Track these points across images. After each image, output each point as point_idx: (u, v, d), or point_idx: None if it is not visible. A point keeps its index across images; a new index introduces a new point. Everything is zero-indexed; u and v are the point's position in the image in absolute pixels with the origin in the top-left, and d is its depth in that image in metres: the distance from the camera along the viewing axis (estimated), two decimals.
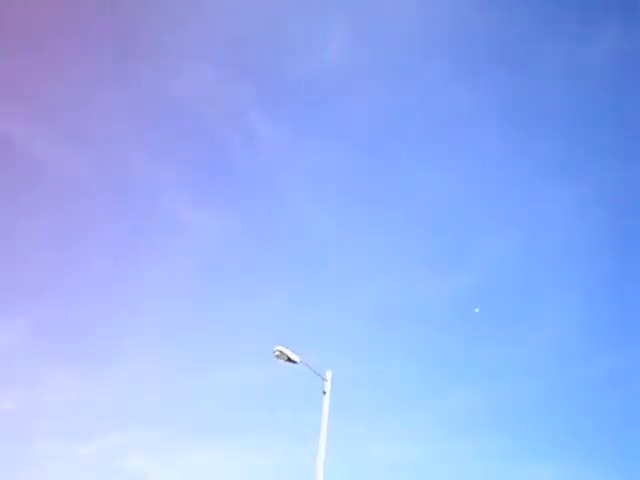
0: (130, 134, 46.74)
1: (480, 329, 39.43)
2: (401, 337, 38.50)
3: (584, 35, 43.24)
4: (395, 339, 38.52)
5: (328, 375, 17.06)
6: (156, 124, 47.20)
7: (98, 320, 44.65)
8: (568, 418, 35.45)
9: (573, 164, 43.87)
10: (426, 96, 43.74)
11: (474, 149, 44.08)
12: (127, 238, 46.79)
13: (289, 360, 16.64)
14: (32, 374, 45.00)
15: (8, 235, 46.75)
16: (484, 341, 39.26)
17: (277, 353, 16.57)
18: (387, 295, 40.33)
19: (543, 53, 43.20)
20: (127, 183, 47.87)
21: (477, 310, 36.42)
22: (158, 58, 44.51)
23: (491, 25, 42.35)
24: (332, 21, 42.99)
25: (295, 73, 43.80)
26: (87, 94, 44.38)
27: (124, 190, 47.12)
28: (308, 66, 43.77)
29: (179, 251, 44.98)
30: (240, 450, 35.15)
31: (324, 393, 16.89)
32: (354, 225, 43.73)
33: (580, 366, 37.59)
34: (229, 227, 43.82)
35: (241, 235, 44.19)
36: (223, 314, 41.32)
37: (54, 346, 44.92)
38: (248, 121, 44.78)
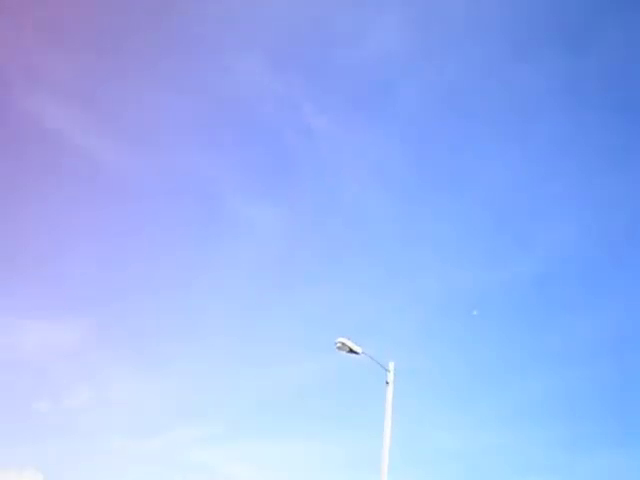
0: (189, 133, 47.61)
1: (542, 316, 38.75)
2: (464, 326, 38.17)
3: None
4: (458, 328, 38.22)
5: (391, 366, 17.11)
6: (214, 123, 47.92)
7: (162, 317, 45.79)
8: (636, 406, 34.52)
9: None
10: (483, 80, 43.02)
11: (535, 132, 43.13)
12: (192, 238, 47.75)
13: (351, 351, 16.75)
14: (99, 372, 46.50)
15: (76, 234, 48.33)
16: (547, 328, 38.59)
17: (339, 345, 16.70)
18: (450, 284, 40.01)
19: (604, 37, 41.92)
20: (189, 182, 48.84)
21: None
22: (213, 56, 45.13)
23: (550, 6, 41.30)
24: (382, 8, 42.68)
25: (346, 62, 43.71)
26: (147, 95, 45.40)
27: (187, 190, 48.10)
28: (359, 54, 43.60)
29: (243, 247, 45.64)
30: (305, 441, 35.58)
31: (387, 384, 16.97)
32: (416, 213, 43.43)
33: None
34: (291, 221, 44.19)
35: (303, 228, 44.52)
36: (286, 307, 41.80)
37: (119, 344, 46.29)
38: (303, 115, 44.99)
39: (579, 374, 36.35)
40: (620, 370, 36.04)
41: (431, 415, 34.39)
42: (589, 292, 39.97)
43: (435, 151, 44.45)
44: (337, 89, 45.27)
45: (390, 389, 16.92)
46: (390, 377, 16.99)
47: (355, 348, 16.72)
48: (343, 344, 16.66)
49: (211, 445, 39.84)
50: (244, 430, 37.70)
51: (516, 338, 38.14)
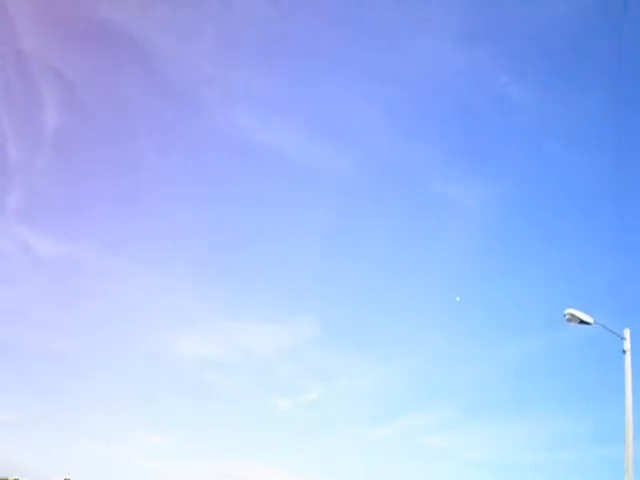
0: (385, 123, 48.94)
1: None
2: None
3: None
4: None
5: (626, 333, 16.75)
6: (406, 108, 48.79)
7: (379, 308, 47.55)
8: None
9: None
10: None
11: None
12: (400, 226, 49.03)
13: (582, 322, 16.70)
14: (328, 367, 49.44)
15: (298, 235, 51.69)
16: None
17: (568, 316, 16.71)
18: None
19: None
20: (389, 172, 50.18)
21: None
22: (394, 42, 46.08)
23: None
24: None
25: (533, 28, 42.29)
26: (340, 90, 47.51)
27: (389, 178, 49.44)
28: (542, 19, 42.01)
29: (452, 227, 46.04)
30: (534, 420, 35.13)
31: (624, 352, 16.65)
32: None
33: None
34: (496, 196, 43.74)
35: (514, 204, 43.88)
36: (507, 286, 41.49)
37: (342, 340, 48.83)
38: (499, 85, 44.26)
39: None
40: None
41: None
42: None
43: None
44: (529, 57, 43.78)
45: (628, 357, 16.59)
46: (627, 345, 16.66)
47: (586, 318, 16.64)
48: (573, 315, 16.67)
49: (443, 430, 40.75)
50: (474, 413, 38.14)
51: None
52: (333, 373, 47.17)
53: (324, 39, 50.45)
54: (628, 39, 40.30)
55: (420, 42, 46.05)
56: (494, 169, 46.11)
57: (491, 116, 46.09)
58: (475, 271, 44.16)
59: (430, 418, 40.02)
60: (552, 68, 44.11)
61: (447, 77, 46.68)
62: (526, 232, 43.23)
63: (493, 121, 46.22)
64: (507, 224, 44.16)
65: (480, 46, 44.68)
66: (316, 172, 51.64)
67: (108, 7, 50.67)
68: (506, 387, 38.11)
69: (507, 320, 40.55)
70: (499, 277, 43.32)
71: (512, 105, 45.09)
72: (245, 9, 51.16)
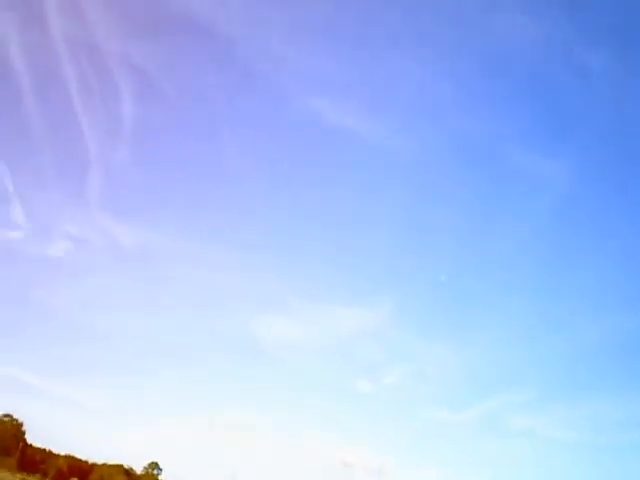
0: (451, 98, 49.70)
1: None
2: None
3: None
4: None
5: None
6: (478, 82, 49.50)
7: (459, 289, 48.65)
8: None
9: None
10: None
11: None
12: (477, 203, 50.01)
13: None
14: (409, 349, 50.88)
15: (370, 221, 53.13)
16: None
17: None
18: None
19: None
20: (463, 148, 51.12)
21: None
22: (469, 17, 46.55)
23: None
24: None
25: None
26: (413, 72, 48.17)
27: (464, 155, 50.35)
28: None
29: (533, 202, 46.80)
30: (616, 400, 35.98)
31: None
32: None
33: None
34: (576, 169, 44.30)
35: (594, 180, 44.36)
36: (584, 268, 42.21)
37: (419, 320, 50.05)
38: (574, 55, 44.73)
39: None
40: None
41: None
42: None
43: None
44: (605, 26, 44.02)
45: None
46: None
47: None
48: None
49: (529, 411, 41.87)
50: (559, 393, 39.12)
51: None
52: (414, 355, 48.71)
53: (393, 20, 51.56)
54: None
55: (493, 16, 46.92)
56: (574, 140, 46.72)
57: (568, 86, 46.66)
58: (556, 248, 44.99)
59: (515, 399, 41.21)
60: (628, 37, 44.47)
61: (521, 49, 47.42)
62: (610, 203, 43.79)
63: (570, 91, 46.81)
64: (588, 196, 44.79)
65: (554, 17, 45.26)
66: (390, 153, 52.95)
67: None
68: (595, 366, 39.02)
69: (592, 298, 41.41)
70: (582, 254, 44.06)
71: (590, 75, 45.55)
72: None
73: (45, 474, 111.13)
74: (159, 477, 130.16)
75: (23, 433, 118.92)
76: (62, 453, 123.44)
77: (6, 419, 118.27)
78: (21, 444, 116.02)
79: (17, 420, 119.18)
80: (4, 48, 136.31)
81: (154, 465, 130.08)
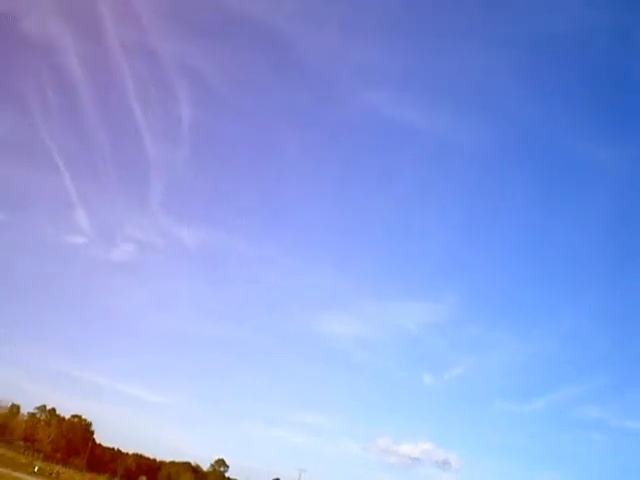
0: (512, 89, 45.92)
1: None
2: None
3: None
4: None
5: None
6: (537, 67, 45.58)
7: (523, 281, 45.14)
8: None
9: None
10: None
11: None
12: (542, 194, 46.37)
13: None
14: (473, 342, 48.06)
15: (426, 213, 50.13)
16: None
17: None
18: None
19: None
20: (526, 139, 47.37)
21: None
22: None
23: None
24: None
25: None
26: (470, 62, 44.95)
27: (527, 146, 46.65)
28: None
29: (599, 193, 43.11)
30: None
31: None
32: None
33: None
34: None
35: None
36: None
37: (484, 313, 46.96)
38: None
39: None
40: None
41: None
42: None
43: None
44: None
45: None
46: None
47: None
48: None
49: (599, 400, 38.37)
50: (631, 381, 35.46)
51: None
52: (479, 347, 46.06)
53: (450, 11, 48.52)
54: None
55: (556, 3, 43.20)
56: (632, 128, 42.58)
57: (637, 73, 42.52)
58: (624, 240, 41.07)
59: (584, 389, 37.71)
60: None
61: (585, 36, 43.54)
62: None
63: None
64: None
65: (620, 2, 41.18)
66: (449, 145, 50.22)
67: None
68: None
69: None
70: None
71: None
72: None
73: (114, 473, 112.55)
74: (225, 474, 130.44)
75: (92, 433, 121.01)
76: (130, 452, 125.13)
77: (75, 419, 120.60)
78: (90, 444, 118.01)
79: (86, 420, 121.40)
80: (62, 57, 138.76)
81: (220, 462, 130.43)
